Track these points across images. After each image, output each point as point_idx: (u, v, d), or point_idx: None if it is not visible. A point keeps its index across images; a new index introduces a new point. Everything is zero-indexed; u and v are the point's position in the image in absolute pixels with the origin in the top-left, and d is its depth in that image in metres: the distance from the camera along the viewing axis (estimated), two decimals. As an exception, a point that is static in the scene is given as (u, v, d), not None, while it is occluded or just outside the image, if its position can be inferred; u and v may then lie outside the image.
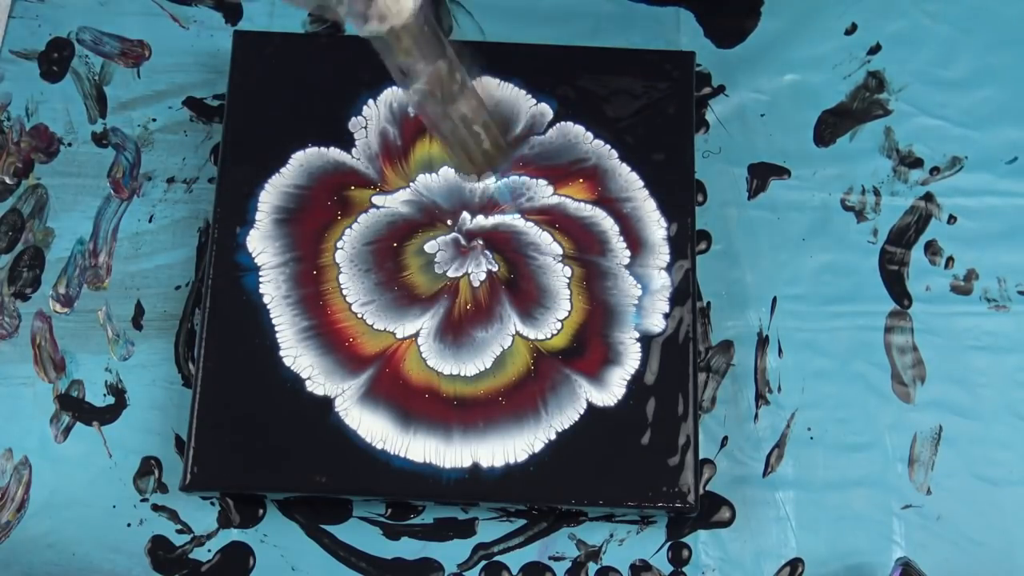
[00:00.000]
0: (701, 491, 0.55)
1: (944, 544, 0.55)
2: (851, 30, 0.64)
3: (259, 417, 0.53)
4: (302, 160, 0.58)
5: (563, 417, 0.54)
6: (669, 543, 0.55)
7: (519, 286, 0.56)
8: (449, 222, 0.57)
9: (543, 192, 0.58)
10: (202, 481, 0.53)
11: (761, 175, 0.61)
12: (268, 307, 0.55)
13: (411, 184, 0.58)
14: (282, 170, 0.58)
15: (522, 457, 0.53)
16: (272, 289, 0.56)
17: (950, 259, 0.60)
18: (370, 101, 0.59)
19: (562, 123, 0.59)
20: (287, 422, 0.53)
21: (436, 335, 0.55)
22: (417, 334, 0.55)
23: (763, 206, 0.61)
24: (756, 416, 0.57)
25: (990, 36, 0.64)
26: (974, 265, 0.60)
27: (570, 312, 0.56)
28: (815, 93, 0.63)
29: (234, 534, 0.54)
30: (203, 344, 0.54)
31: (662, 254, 0.57)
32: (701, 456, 0.54)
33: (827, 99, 0.63)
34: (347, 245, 0.57)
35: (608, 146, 0.59)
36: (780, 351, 0.58)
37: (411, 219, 0.57)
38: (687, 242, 0.57)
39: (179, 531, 0.55)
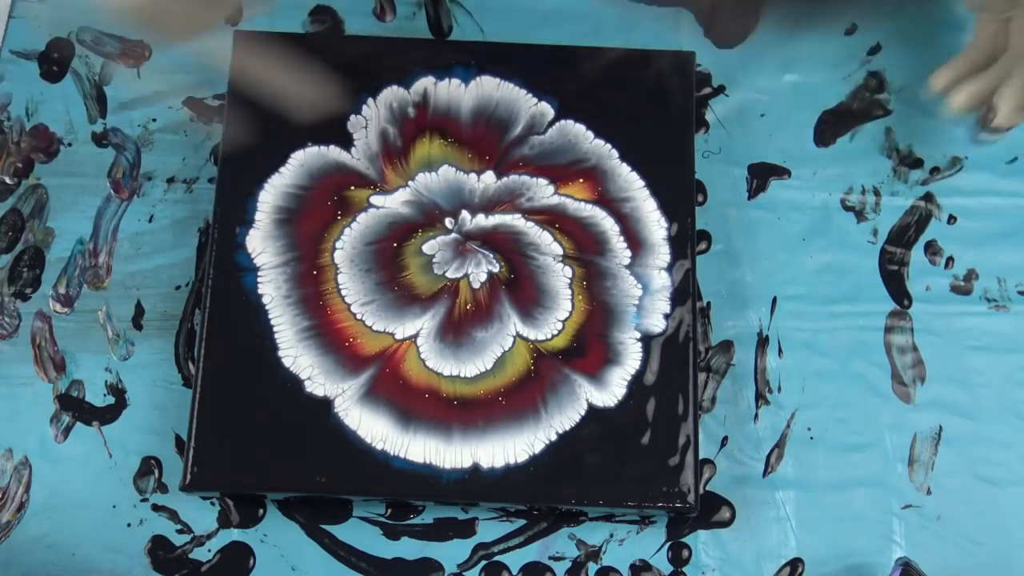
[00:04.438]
0: (701, 491, 0.55)
1: (944, 544, 0.55)
2: (851, 30, 0.64)
3: (259, 417, 0.53)
4: (302, 160, 0.58)
5: (563, 417, 0.54)
6: (669, 543, 0.55)
7: (519, 286, 0.56)
8: (449, 222, 0.57)
9: (543, 192, 0.58)
10: (202, 481, 0.53)
11: (761, 175, 0.61)
12: (267, 307, 0.55)
13: (410, 183, 0.58)
14: (282, 170, 0.58)
15: (522, 457, 0.53)
16: (272, 289, 0.56)
17: (950, 259, 0.60)
18: (370, 101, 0.59)
19: (562, 122, 0.59)
20: (287, 422, 0.53)
21: (436, 335, 0.55)
22: (417, 335, 0.55)
23: (763, 206, 0.61)
24: (756, 416, 0.57)
25: (990, 36, 0.64)
26: (974, 265, 0.60)
27: (571, 312, 0.56)
28: (815, 93, 0.63)
29: (234, 534, 0.54)
30: (203, 344, 0.54)
31: (662, 254, 0.57)
32: (701, 456, 0.54)
33: (827, 99, 0.63)
34: (347, 245, 0.57)
35: (608, 146, 0.59)
36: (780, 351, 0.58)
37: (411, 219, 0.57)
38: (687, 242, 0.57)
39: (179, 531, 0.55)
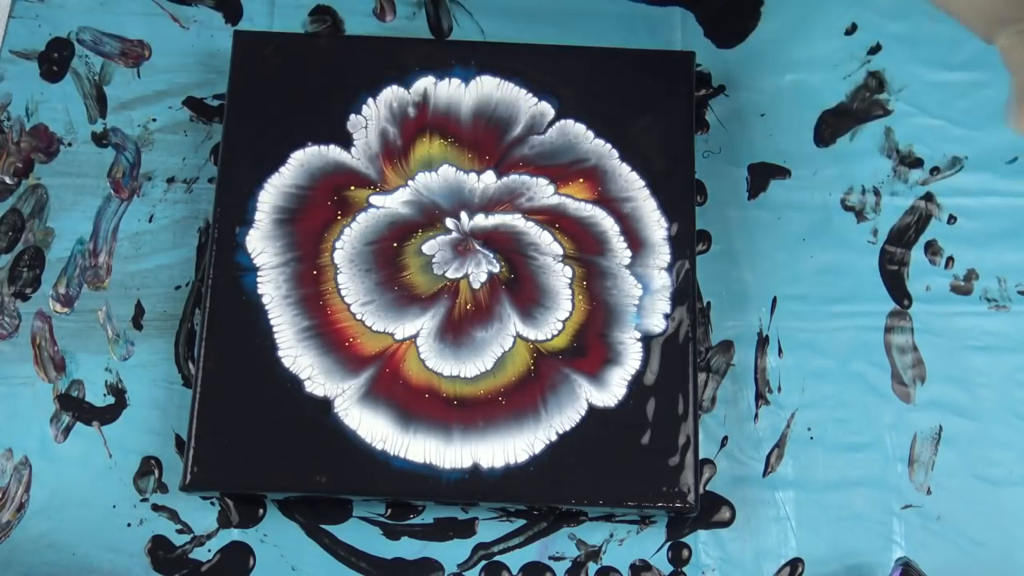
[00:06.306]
0: (701, 491, 0.55)
1: (944, 544, 0.55)
2: (851, 30, 0.64)
3: (259, 417, 0.53)
4: (302, 160, 0.58)
5: (563, 417, 0.54)
6: (669, 543, 0.55)
7: (519, 286, 0.56)
8: (449, 222, 0.57)
9: (543, 192, 0.58)
10: (202, 481, 0.53)
11: (761, 175, 0.61)
12: (267, 307, 0.55)
13: (410, 183, 0.58)
14: (282, 170, 0.58)
15: (522, 457, 0.53)
16: (272, 289, 0.56)
17: (950, 259, 0.60)
18: (369, 100, 0.59)
19: (562, 122, 0.59)
20: (287, 422, 0.53)
21: (436, 335, 0.55)
22: (417, 335, 0.55)
23: (763, 206, 0.61)
24: (756, 416, 0.57)
25: (990, 36, 0.64)
26: (974, 265, 0.60)
27: (571, 312, 0.56)
28: (815, 93, 0.63)
29: (234, 534, 0.54)
30: (203, 344, 0.54)
31: (662, 254, 0.57)
32: (701, 456, 0.54)
33: (827, 99, 0.63)
34: (346, 245, 0.57)
35: (608, 145, 0.59)
36: (780, 351, 0.58)
37: (410, 219, 0.57)
38: (687, 242, 0.57)
39: (179, 531, 0.55)
